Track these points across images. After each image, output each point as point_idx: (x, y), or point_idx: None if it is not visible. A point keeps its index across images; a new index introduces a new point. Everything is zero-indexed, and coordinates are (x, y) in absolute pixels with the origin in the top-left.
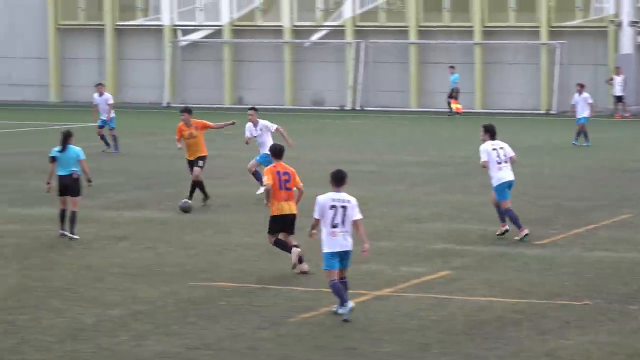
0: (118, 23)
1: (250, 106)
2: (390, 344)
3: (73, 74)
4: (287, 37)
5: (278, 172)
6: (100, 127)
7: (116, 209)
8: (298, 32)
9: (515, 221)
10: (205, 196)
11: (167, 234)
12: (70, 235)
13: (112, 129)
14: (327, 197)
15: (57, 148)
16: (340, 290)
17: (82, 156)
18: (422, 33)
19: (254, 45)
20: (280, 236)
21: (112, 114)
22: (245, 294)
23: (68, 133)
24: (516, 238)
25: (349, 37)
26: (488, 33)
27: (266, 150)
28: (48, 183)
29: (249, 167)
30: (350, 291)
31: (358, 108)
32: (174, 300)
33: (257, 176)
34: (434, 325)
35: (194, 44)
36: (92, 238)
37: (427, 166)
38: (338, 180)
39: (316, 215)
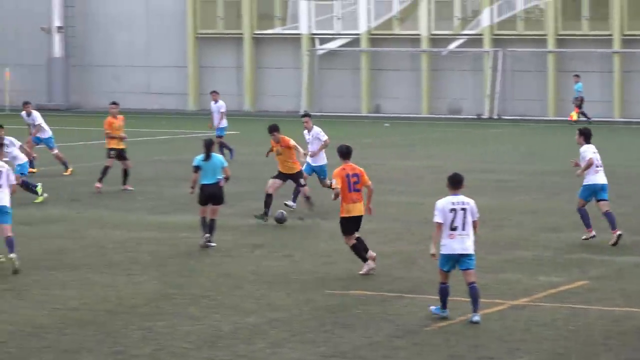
0: (256, 32)
1: (304, 112)
2: (527, 354)
3: (211, 83)
4: (424, 45)
5: (347, 175)
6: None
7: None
8: (435, 40)
9: (586, 220)
10: (266, 214)
11: (303, 241)
12: (208, 243)
13: (219, 137)
14: (446, 201)
15: (201, 157)
16: (445, 295)
17: (225, 163)
18: (561, 41)
19: (391, 53)
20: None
21: (224, 123)
22: (380, 302)
23: (211, 142)
24: (583, 237)
25: (487, 46)
26: (627, 41)
27: (319, 162)
28: (192, 187)
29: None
30: (486, 300)
31: (495, 117)
32: (310, 308)
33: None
34: (571, 336)
35: (331, 53)
36: (231, 246)
37: (564, 175)
38: (455, 183)
39: (439, 220)
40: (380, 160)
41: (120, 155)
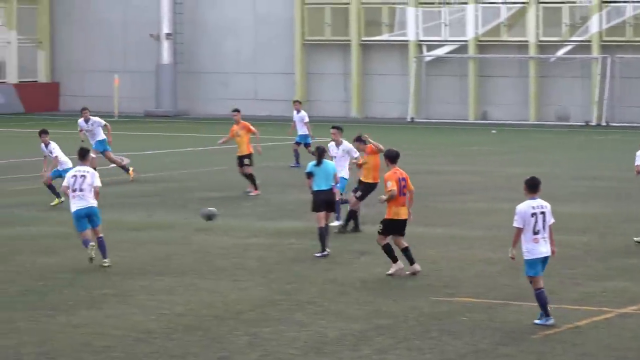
0: (363, 38)
1: (334, 125)
2: None
3: (319, 89)
4: (532, 52)
5: (399, 179)
6: (297, 143)
7: (361, 223)
8: (543, 47)
9: None
10: (353, 226)
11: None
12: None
13: (307, 144)
14: (527, 205)
15: (313, 163)
16: (545, 301)
17: (336, 170)
18: None
19: (499, 60)
20: (392, 239)
21: (307, 131)
22: (486, 309)
23: (322, 149)
24: None
25: (595, 52)
26: None
27: (343, 174)
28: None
29: None
30: (593, 308)
31: (603, 124)
32: (415, 314)
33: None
34: None
35: (438, 59)
36: (337, 252)
37: None
38: (533, 186)
39: (519, 225)
40: (487, 167)
41: (240, 161)
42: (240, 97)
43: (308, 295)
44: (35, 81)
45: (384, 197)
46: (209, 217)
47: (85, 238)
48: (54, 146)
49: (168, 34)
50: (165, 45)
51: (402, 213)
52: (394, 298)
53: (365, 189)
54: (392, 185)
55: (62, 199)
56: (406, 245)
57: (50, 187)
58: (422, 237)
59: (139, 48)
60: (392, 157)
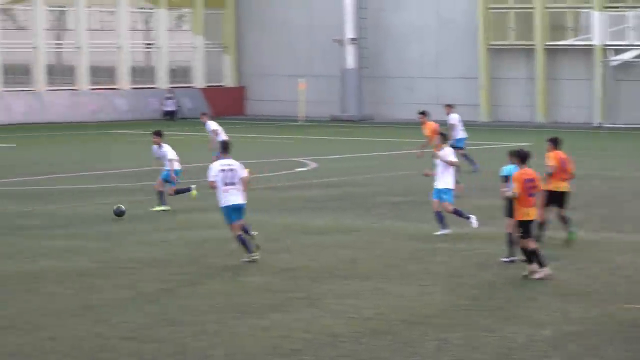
0: (548, 43)
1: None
2: None
3: (503, 94)
4: None
5: (526, 180)
6: (458, 148)
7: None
8: None
9: None
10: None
11: (598, 254)
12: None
13: (459, 148)
14: None
15: (512, 167)
16: None
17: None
18: None
19: None
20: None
21: (461, 134)
22: None
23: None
24: None
25: None
26: None
27: (440, 185)
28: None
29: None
30: None
31: None
32: (607, 322)
33: (440, 217)
34: None
35: (625, 64)
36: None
37: None
38: None
39: None
40: (619, 172)
41: None
42: (424, 102)
43: (495, 301)
44: (221, 85)
45: (509, 193)
46: (117, 213)
47: (239, 232)
48: (167, 148)
49: (352, 39)
50: (350, 49)
51: (532, 213)
52: (583, 304)
53: (549, 198)
54: (515, 188)
55: (168, 207)
56: (534, 247)
57: (160, 194)
58: (611, 243)
59: (323, 52)
60: (522, 157)
